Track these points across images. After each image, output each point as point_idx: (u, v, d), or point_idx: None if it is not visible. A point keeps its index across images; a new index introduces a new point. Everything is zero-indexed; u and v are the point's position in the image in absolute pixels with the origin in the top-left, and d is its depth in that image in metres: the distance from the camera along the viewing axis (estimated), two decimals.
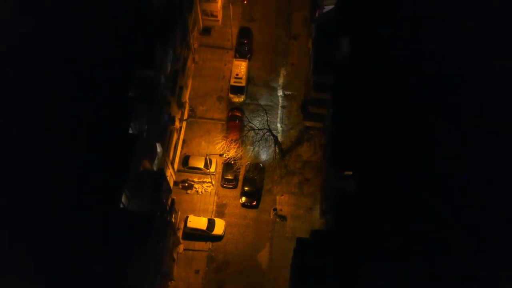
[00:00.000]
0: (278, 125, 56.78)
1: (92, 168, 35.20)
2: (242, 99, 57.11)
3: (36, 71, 38.48)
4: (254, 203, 51.83)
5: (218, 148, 51.94)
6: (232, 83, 56.93)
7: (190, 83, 56.69)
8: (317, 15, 49.27)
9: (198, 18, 57.71)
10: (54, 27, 39.96)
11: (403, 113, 39.21)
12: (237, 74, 57.25)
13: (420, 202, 35.52)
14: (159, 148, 44.00)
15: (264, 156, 54.25)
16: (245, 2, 59.30)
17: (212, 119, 56.94)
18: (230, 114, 56.45)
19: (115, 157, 35.42)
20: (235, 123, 55.21)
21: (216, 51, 60.94)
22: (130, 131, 38.53)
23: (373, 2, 43.15)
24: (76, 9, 40.45)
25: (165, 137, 45.67)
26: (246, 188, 51.99)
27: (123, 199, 35.77)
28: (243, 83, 56.91)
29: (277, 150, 53.96)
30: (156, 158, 43.27)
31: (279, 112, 57.63)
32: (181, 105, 50.31)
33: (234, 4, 62.09)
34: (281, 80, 59.48)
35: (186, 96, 54.66)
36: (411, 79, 40.51)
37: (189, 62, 53.90)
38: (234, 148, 51.23)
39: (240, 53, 59.77)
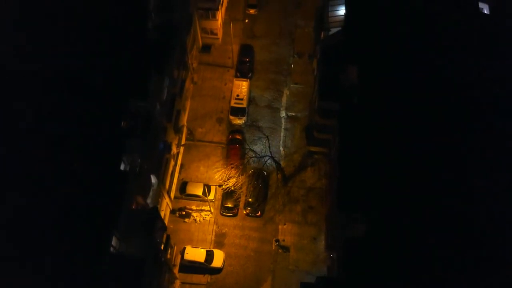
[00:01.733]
0: (281, 148, 54.03)
1: (79, 210, 32.55)
2: (243, 121, 54.40)
3: (20, 103, 35.89)
4: (259, 214, 49.73)
5: (217, 178, 49.26)
6: (232, 104, 54.24)
7: (188, 105, 54.01)
8: (322, 36, 46.59)
9: (197, 36, 55.04)
10: (41, 57, 37.36)
11: (416, 148, 36.43)
12: (237, 95, 54.56)
13: (435, 247, 32.73)
14: (153, 180, 41.31)
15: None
16: (247, 21, 56.57)
17: (211, 142, 54.22)
18: (230, 137, 53.73)
19: (105, 198, 32.76)
20: (235, 147, 52.47)
21: (216, 69, 58.25)
22: (122, 167, 35.95)
23: (382, 27, 40.32)
24: (65, 37, 37.81)
25: (161, 167, 42.98)
26: (250, 200, 49.73)
27: (113, 241, 33.07)
28: (244, 104, 54.20)
29: (280, 177, 51.25)
30: (151, 191, 40.58)
31: (282, 134, 54.86)
32: (178, 130, 47.62)
33: (235, 22, 59.55)
34: (284, 101, 56.74)
35: (184, 119, 51.98)
36: (425, 109, 37.75)
37: (187, 83, 51.22)
38: (234, 177, 48.47)
39: (241, 72, 57.09)
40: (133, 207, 37.25)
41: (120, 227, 33.27)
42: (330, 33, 43.57)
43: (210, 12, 51.87)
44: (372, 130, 37.21)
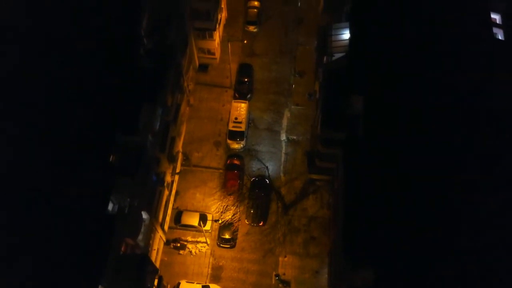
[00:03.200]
0: (281, 174, 51.40)
1: (62, 259, 29.99)
2: (242, 145, 51.82)
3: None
4: (261, 224, 47.68)
5: (214, 210, 46.71)
6: (230, 127, 51.65)
7: (184, 128, 51.43)
8: (325, 60, 43.97)
9: (193, 56, 52.48)
10: (26, 85, 34.91)
11: (428, 184, 33.85)
12: (236, 118, 51.96)
13: None
14: (145, 215, 38.72)
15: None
16: (245, 41, 54.00)
17: (208, 167, 51.62)
18: (228, 162, 51.15)
19: (90, 247, 30.21)
20: (233, 173, 49.85)
21: (213, 89, 55.69)
22: (110, 207, 33.44)
23: (388, 53, 37.77)
24: (49, 65, 35.32)
25: (153, 201, 40.39)
26: (252, 211, 47.64)
27: None
28: (243, 128, 51.60)
29: (280, 205, 48.70)
30: (142, 228, 37.99)
31: (282, 159, 52.24)
32: (173, 159, 45.05)
33: (234, 39, 57.08)
34: (284, 123, 54.15)
35: (179, 145, 49.40)
36: (436, 142, 35.15)
37: (182, 107, 48.65)
38: (232, 208, 45.92)
39: (240, 93, 54.55)
40: (123, 250, 34.69)
41: (107, 276, 30.68)
42: (334, 58, 40.92)
43: (207, 33, 49.26)
44: (380, 166, 34.63)
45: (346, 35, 41.02)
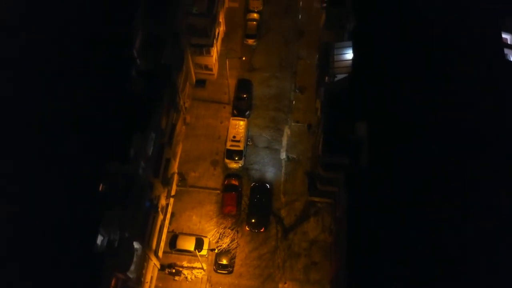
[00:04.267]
0: (281, 195, 49.45)
1: None
2: (240, 164, 49.90)
3: None
4: (262, 230, 46.32)
5: (210, 235, 44.79)
6: (228, 146, 49.71)
7: (180, 148, 49.52)
8: (326, 80, 42.06)
9: (190, 72, 50.60)
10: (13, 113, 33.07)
11: (435, 218, 31.94)
12: (234, 136, 50.03)
13: None
14: (137, 245, 36.82)
15: None
16: (244, 58, 52.10)
17: (205, 188, 49.67)
18: (226, 182, 49.20)
19: (78, 285, 28.33)
20: (231, 195, 47.86)
21: (211, 105, 53.78)
22: (99, 240, 31.55)
23: (394, 77, 35.85)
24: (35, 89, 33.45)
25: (146, 230, 38.46)
26: (253, 220, 46.32)
27: None
28: (241, 147, 49.66)
29: (279, 229, 46.78)
30: (134, 258, 36.09)
31: (282, 179, 50.29)
32: (167, 182, 43.11)
33: (232, 53, 55.20)
34: (284, 141, 52.21)
35: (175, 166, 47.46)
36: (444, 171, 33.21)
37: (178, 127, 46.73)
38: (230, 235, 44.00)
39: (238, 109, 52.64)
40: (112, 285, 32.77)
41: None
42: (336, 79, 39.02)
43: (204, 49, 47.36)
44: (385, 196, 32.70)
45: (348, 55, 39.15)
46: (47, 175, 31.66)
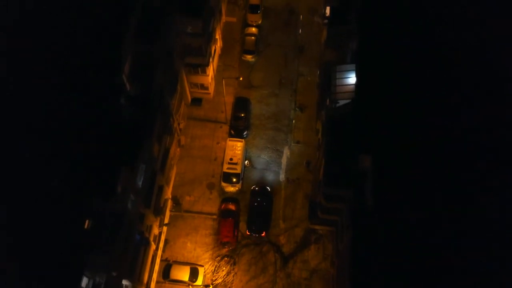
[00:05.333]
0: (280, 221, 47.16)
1: None
2: (238, 188, 47.63)
3: None
4: (263, 234, 44.89)
5: (206, 266, 42.53)
6: (225, 169, 47.43)
7: (174, 172, 47.27)
8: (327, 102, 39.81)
9: (185, 91, 48.37)
10: None
11: (441, 262, 29.65)
12: (231, 159, 47.77)
13: None
14: (126, 283, 34.59)
15: None
16: (241, 78, 49.85)
17: (200, 212, 47.41)
18: (223, 207, 46.91)
19: None
20: (228, 221, 45.51)
21: (207, 125, 51.51)
22: (84, 283, 29.32)
23: (401, 104, 33.58)
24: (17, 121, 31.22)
25: (136, 265, 36.20)
26: (253, 228, 45.03)
27: None
28: (238, 170, 47.38)
29: (278, 257, 44.51)
30: None
31: (282, 203, 48.00)
32: (159, 212, 40.86)
33: (230, 69, 53.10)
34: (284, 162, 49.92)
35: (168, 192, 45.22)
36: (453, 209, 30.92)
37: (172, 150, 44.48)
38: (225, 267, 41.76)
39: (236, 129, 50.39)
40: None
41: None
42: (338, 104, 36.76)
43: (199, 68, 45.12)
44: (391, 234, 30.44)
45: (351, 79, 36.88)
46: (26, 215, 29.44)
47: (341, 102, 36.79)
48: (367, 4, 38.22)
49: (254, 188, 47.16)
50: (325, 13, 48.15)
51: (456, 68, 34.53)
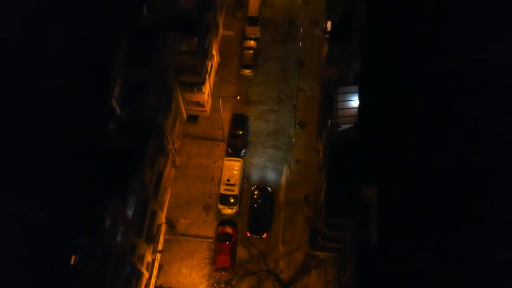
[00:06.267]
0: (280, 244, 45.19)
1: None
2: (235, 210, 45.68)
3: None
4: (265, 236, 44.06)
5: None
6: (222, 191, 45.49)
7: (168, 195, 45.31)
8: (329, 123, 37.88)
9: (180, 109, 46.43)
10: None
11: None
12: (228, 180, 45.83)
13: None
14: None
15: None
16: (238, 97, 47.92)
17: (196, 236, 45.44)
18: (219, 230, 44.95)
19: None
20: (225, 246, 43.59)
21: (203, 143, 49.55)
22: None
23: (408, 131, 31.62)
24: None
25: None
26: (254, 229, 44.16)
27: None
28: (236, 191, 45.42)
29: (277, 285, 42.54)
30: None
31: (281, 226, 46.02)
32: (152, 239, 38.91)
33: (227, 84, 51.28)
34: (283, 182, 47.95)
35: (162, 217, 43.28)
36: (465, 247, 28.92)
37: (166, 172, 42.54)
38: None
39: (233, 148, 48.45)
40: None
41: None
42: (340, 129, 34.83)
43: (195, 86, 43.18)
44: (399, 276, 28.43)
45: (354, 102, 34.92)
46: (9, 252, 27.52)
47: (344, 126, 34.79)
48: (370, 22, 36.21)
49: (254, 188, 46.00)
50: (326, 27, 46.29)
51: (467, 92, 32.53)
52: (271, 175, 48.31)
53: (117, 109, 33.23)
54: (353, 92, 35.08)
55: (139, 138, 32.83)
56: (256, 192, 45.92)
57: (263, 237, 43.80)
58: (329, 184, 33.64)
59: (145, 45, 35.33)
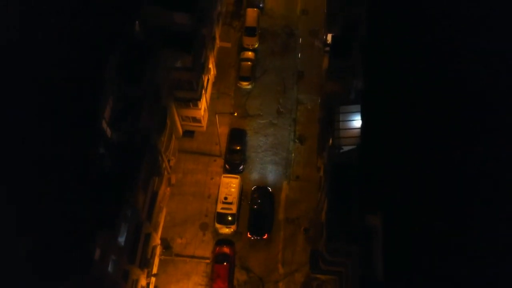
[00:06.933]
0: (279, 265, 43.61)
1: None
2: (233, 229, 44.09)
3: None
4: (265, 237, 43.20)
5: None
6: (219, 209, 43.89)
7: (163, 214, 43.72)
8: (330, 142, 36.34)
9: (176, 125, 44.85)
10: None
11: None
12: (225, 198, 44.23)
13: None
14: None
15: None
16: (235, 114, 46.33)
17: (193, 256, 43.87)
18: (217, 250, 43.35)
19: None
20: (222, 267, 41.98)
21: (200, 159, 47.96)
22: None
23: (414, 153, 30.04)
24: None
25: None
26: (255, 230, 43.17)
27: None
28: (234, 210, 43.84)
29: None
30: None
31: (280, 246, 44.42)
32: (146, 263, 37.30)
33: (224, 96, 49.77)
34: (282, 199, 46.37)
35: (157, 238, 41.68)
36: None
37: (161, 192, 40.94)
38: None
39: (231, 164, 46.87)
40: None
41: None
42: (342, 150, 33.28)
43: (191, 102, 41.61)
44: None
45: (356, 122, 33.39)
46: None
47: (346, 147, 33.25)
48: (372, 37, 34.64)
49: (255, 188, 45.12)
50: (326, 39, 44.73)
51: (477, 110, 30.97)
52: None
53: (108, 131, 31.64)
54: (355, 112, 33.58)
55: (131, 162, 31.21)
56: (256, 192, 45.07)
57: (264, 238, 42.82)
58: (330, 208, 32.15)
59: (138, 63, 33.73)
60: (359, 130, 32.51)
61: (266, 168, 47.76)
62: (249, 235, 43.02)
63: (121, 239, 31.41)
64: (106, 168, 30.09)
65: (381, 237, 27.41)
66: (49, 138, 28.35)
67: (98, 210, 27.78)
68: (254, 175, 47.47)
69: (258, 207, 44.06)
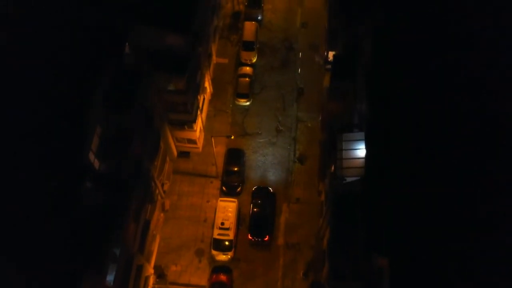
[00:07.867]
0: None
1: None
2: (230, 256, 42.11)
3: None
4: (267, 238, 41.99)
5: None
6: (215, 235, 41.91)
7: (157, 242, 41.68)
8: (332, 169, 34.36)
9: (170, 147, 42.85)
10: None
11: None
12: (222, 223, 42.23)
13: None
14: None
15: None
16: (232, 137, 44.37)
17: (188, 285, 41.92)
18: (213, 278, 41.38)
19: None
20: None
21: (196, 180, 45.96)
22: None
23: (424, 188, 28.05)
24: None
25: None
26: (256, 232, 42.03)
27: None
28: (231, 236, 41.84)
29: None
30: None
31: (280, 273, 42.45)
32: None
33: (221, 113, 47.87)
34: (282, 224, 44.36)
35: (150, 268, 39.67)
36: None
37: (154, 219, 38.97)
38: None
39: (228, 186, 44.89)
40: None
41: None
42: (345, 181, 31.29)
43: (186, 125, 39.64)
44: None
45: (360, 151, 31.38)
46: None
47: (349, 178, 31.26)
48: (378, 58, 32.65)
49: (255, 189, 44.21)
50: (327, 56, 42.83)
51: (490, 140, 29.03)
52: None
53: (96, 163, 29.64)
54: (358, 140, 31.53)
55: (120, 196, 29.21)
56: (256, 192, 43.93)
57: (265, 240, 41.64)
58: (333, 239, 30.12)
59: (128, 87, 31.72)
60: (363, 160, 30.50)
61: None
62: (250, 237, 41.81)
63: (110, 278, 29.42)
64: (94, 203, 28.06)
65: (389, 282, 25.42)
66: (30, 173, 26.37)
67: (84, 252, 25.80)
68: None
69: (258, 209, 42.85)
